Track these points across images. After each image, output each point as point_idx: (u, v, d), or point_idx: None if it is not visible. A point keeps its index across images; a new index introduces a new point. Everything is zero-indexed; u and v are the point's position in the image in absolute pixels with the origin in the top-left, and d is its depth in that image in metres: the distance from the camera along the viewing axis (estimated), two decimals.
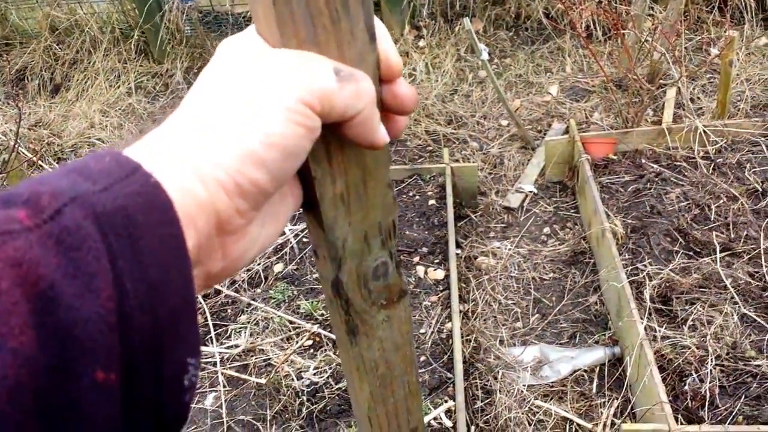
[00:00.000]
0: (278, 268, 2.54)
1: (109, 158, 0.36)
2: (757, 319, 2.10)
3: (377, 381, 0.66)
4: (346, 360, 0.65)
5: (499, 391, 2.13)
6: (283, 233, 2.67)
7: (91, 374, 0.31)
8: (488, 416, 2.06)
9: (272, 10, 0.42)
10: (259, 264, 2.53)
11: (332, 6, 0.43)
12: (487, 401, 2.12)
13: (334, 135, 0.46)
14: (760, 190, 2.59)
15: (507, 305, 2.48)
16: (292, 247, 2.61)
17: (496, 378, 2.18)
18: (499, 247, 2.75)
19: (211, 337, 2.28)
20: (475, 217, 2.95)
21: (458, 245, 2.76)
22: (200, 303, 2.40)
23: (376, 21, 0.47)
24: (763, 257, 2.26)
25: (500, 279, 2.59)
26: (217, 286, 2.45)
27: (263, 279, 2.49)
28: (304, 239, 2.67)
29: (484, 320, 2.42)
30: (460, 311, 2.38)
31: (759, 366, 1.96)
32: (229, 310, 2.39)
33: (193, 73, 4.25)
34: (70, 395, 0.30)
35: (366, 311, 0.60)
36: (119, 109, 3.93)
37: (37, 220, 0.31)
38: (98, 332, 0.31)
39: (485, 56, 3.08)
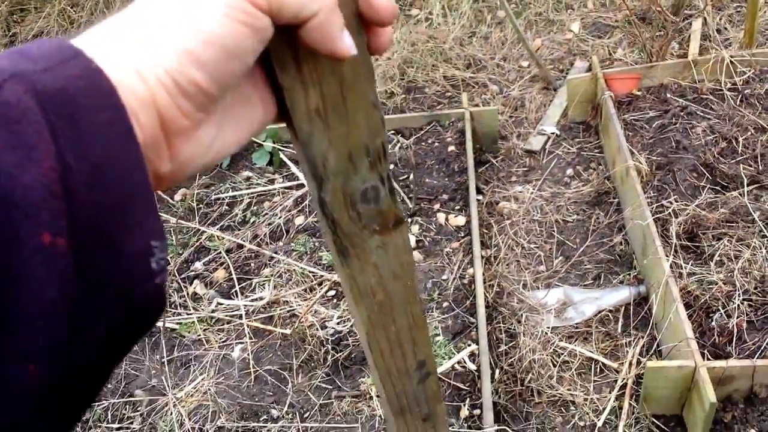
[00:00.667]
0: (299, 220, 2.54)
1: (50, 43, 0.35)
2: None
3: (375, 307, 0.65)
4: (342, 280, 0.63)
5: (523, 334, 2.13)
6: (303, 185, 2.66)
7: (36, 237, 0.31)
8: (512, 359, 2.06)
9: None
10: (280, 217, 2.54)
11: None
12: (510, 344, 2.12)
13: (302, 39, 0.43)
14: None
15: (530, 249, 2.45)
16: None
17: (519, 321, 2.18)
18: (521, 191, 2.71)
19: (235, 291, 2.31)
20: (496, 162, 2.91)
21: (479, 191, 2.73)
22: (223, 257, 2.42)
23: None
24: None
25: (522, 223, 2.56)
26: (239, 240, 2.47)
27: (285, 232, 2.50)
28: None
29: (507, 265, 2.40)
30: (482, 257, 2.37)
31: None
32: (252, 264, 2.41)
33: None
34: (14, 257, 0.30)
35: (356, 234, 0.57)
36: None
37: None
38: (41, 198, 0.31)
39: None
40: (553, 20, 3.69)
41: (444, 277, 2.28)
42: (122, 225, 0.34)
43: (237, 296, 2.29)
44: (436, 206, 2.57)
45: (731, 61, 2.78)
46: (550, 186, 2.71)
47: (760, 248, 2.05)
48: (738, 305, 1.91)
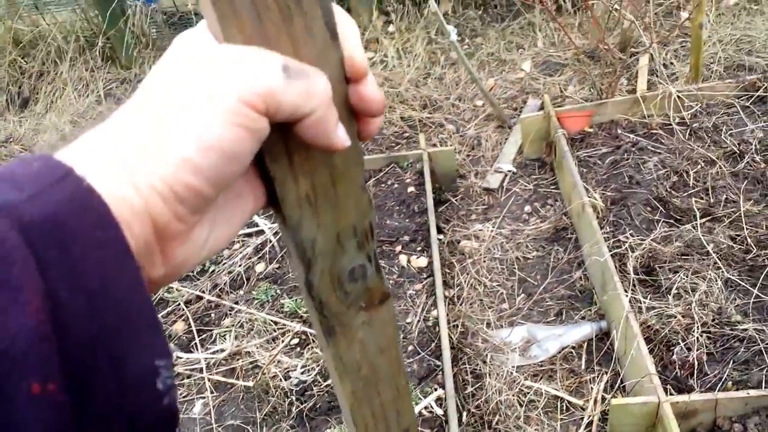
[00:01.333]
0: (260, 268, 2.51)
1: (38, 163, 0.34)
2: (741, 282, 2.10)
3: (360, 382, 0.64)
4: (327, 359, 0.63)
5: (489, 374, 2.12)
6: (263, 232, 2.64)
7: (25, 388, 0.29)
8: (479, 401, 2.05)
9: (211, 5, 0.39)
10: (240, 266, 2.51)
11: (282, 2, 0.40)
12: (477, 386, 2.10)
13: (294, 133, 0.43)
14: (737, 152, 2.58)
15: (492, 287, 2.46)
16: (272, 246, 2.59)
17: (485, 362, 2.17)
18: (481, 230, 2.73)
19: (195, 344, 2.26)
20: (456, 200, 2.93)
21: (440, 231, 2.74)
22: (183, 309, 2.37)
23: (344, 17, 0.44)
24: (743, 219, 2.26)
25: (484, 261, 2.57)
26: (198, 291, 2.42)
27: (245, 280, 2.47)
28: None
29: (471, 304, 2.40)
30: (446, 297, 2.37)
31: (745, 330, 1.95)
32: (212, 315, 2.36)
33: None
34: (3, 411, 0.29)
35: (343, 313, 0.57)
36: (90, 118, 3.87)
37: None
38: (28, 345, 0.29)
39: (454, 37, 3.04)
40: (504, 60, 3.77)
41: (408, 320, 2.27)
42: (123, 350, 0.33)
43: (197, 349, 2.24)
44: (398, 248, 2.57)
45: (678, 96, 2.87)
46: (509, 223, 2.74)
47: (716, 280, 2.09)
48: (697, 338, 1.94)
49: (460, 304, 2.40)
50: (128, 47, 4.12)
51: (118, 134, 0.37)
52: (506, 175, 3.00)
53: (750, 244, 2.17)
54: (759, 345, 1.91)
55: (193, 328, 2.29)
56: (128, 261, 0.34)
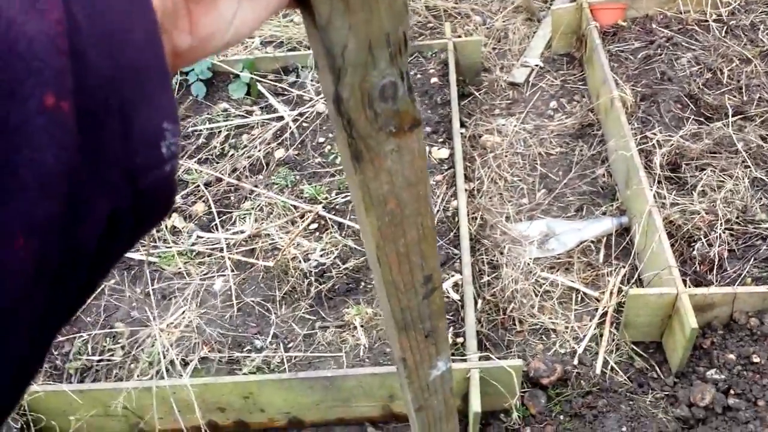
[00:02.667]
0: (279, 153, 2.49)
1: None
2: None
3: (386, 217, 0.62)
4: (353, 188, 0.60)
5: (506, 265, 2.13)
6: (282, 118, 2.60)
7: (39, 96, 0.27)
8: (495, 289, 2.07)
9: None
10: (260, 150, 2.49)
11: None
12: (493, 275, 2.12)
13: None
14: None
15: (513, 182, 2.44)
16: (291, 131, 2.56)
17: (502, 253, 2.18)
18: (504, 124, 2.68)
19: (216, 224, 2.27)
20: (480, 94, 2.86)
21: (462, 124, 2.69)
22: (202, 191, 2.38)
23: None
24: None
25: (506, 156, 2.54)
26: (218, 174, 2.42)
27: (264, 165, 2.45)
28: (304, 124, 2.60)
29: (490, 198, 2.39)
30: (466, 189, 2.35)
31: None
32: (232, 197, 2.36)
33: None
34: (12, 115, 0.27)
35: (371, 136, 0.54)
36: None
37: None
38: (46, 52, 0.27)
39: None
40: None
41: None
42: (133, 100, 0.31)
43: (217, 229, 2.26)
44: None
45: None
46: (534, 119, 2.68)
47: (743, 178, 2.05)
48: (720, 234, 1.93)
49: (480, 197, 2.38)
50: None
51: None
52: (533, 70, 2.92)
53: None
54: None
55: (213, 210, 2.30)
56: (148, 9, 0.32)
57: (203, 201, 2.34)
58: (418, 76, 2.78)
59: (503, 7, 3.27)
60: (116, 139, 0.30)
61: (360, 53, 0.48)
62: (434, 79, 2.75)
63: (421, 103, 2.66)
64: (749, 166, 2.08)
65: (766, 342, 1.71)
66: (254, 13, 0.41)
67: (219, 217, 2.29)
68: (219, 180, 2.41)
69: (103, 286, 2.06)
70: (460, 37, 3.03)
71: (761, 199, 2.02)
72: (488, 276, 2.13)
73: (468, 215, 2.26)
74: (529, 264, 2.13)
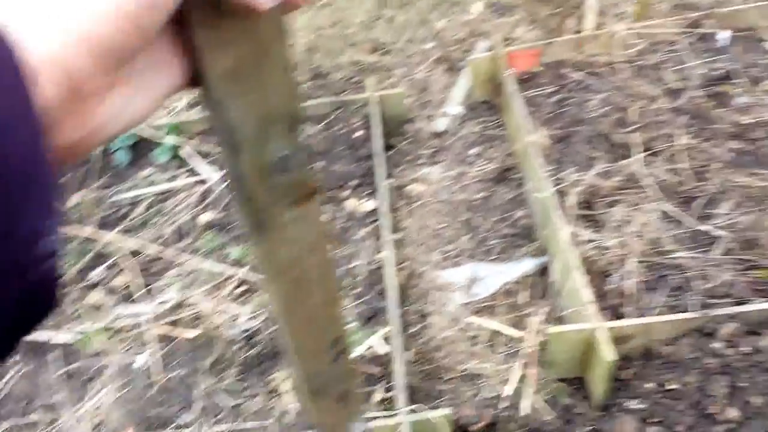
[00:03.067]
0: (205, 217, 2.49)
1: None
2: (676, 214, 2.14)
3: (291, 284, 0.64)
4: (258, 258, 0.62)
5: (434, 313, 2.15)
6: (204, 182, 2.61)
7: None
8: (424, 339, 2.08)
9: None
10: (184, 215, 2.48)
11: None
12: (422, 325, 2.14)
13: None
14: (678, 88, 2.60)
15: (438, 229, 2.48)
16: (218, 193, 2.56)
17: (430, 301, 2.19)
18: (429, 173, 2.73)
19: (139, 296, 2.24)
20: (404, 145, 2.92)
21: (388, 175, 2.74)
22: (125, 262, 2.35)
23: None
24: (681, 154, 2.29)
25: (431, 204, 2.58)
26: (142, 242, 2.40)
27: (190, 230, 2.45)
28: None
29: (417, 246, 2.42)
30: (393, 240, 2.38)
31: (678, 258, 2.00)
32: (156, 266, 2.34)
33: None
34: None
35: (272, 207, 0.56)
36: None
37: None
38: None
39: None
40: (455, 1, 3.72)
41: (355, 263, 2.28)
42: (14, 200, 0.31)
43: (141, 301, 2.23)
44: (346, 193, 2.57)
45: (624, 35, 2.87)
46: (457, 166, 2.74)
47: (652, 212, 2.13)
48: (633, 268, 1.98)
49: (407, 247, 2.41)
50: None
51: None
52: (454, 118, 3.00)
53: (686, 177, 2.21)
54: (691, 272, 1.96)
55: (137, 281, 2.28)
56: (30, 110, 0.31)
57: (126, 273, 2.31)
58: (343, 130, 2.83)
59: (425, 58, 3.37)
60: None
61: (255, 130, 0.51)
62: (359, 133, 2.80)
63: (347, 158, 2.70)
64: (657, 200, 2.16)
65: (680, 368, 1.75)
66: (147, 101, 0.42)
67: (143, 289, 2.26)
68: (143, 250, 2.39)
69: (17, 373, 2.01)
70: (383, 89, 3.10)
71: (670, 230, 2.09)
72: (417, 326, 2.14)
73: (395, 266, 2.28)
74: (455, 310, 2.15)
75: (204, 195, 2.57)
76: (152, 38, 0.38)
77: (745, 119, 2.31)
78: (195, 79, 0.46)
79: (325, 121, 2.88)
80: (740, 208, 2.06)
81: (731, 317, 1.77)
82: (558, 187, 2.28)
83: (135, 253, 2.38)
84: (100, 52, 0.35)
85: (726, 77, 2.54)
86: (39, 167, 0.32)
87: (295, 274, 0.63)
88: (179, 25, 0.43)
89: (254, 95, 0.49)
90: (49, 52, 0.33)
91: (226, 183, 2.62)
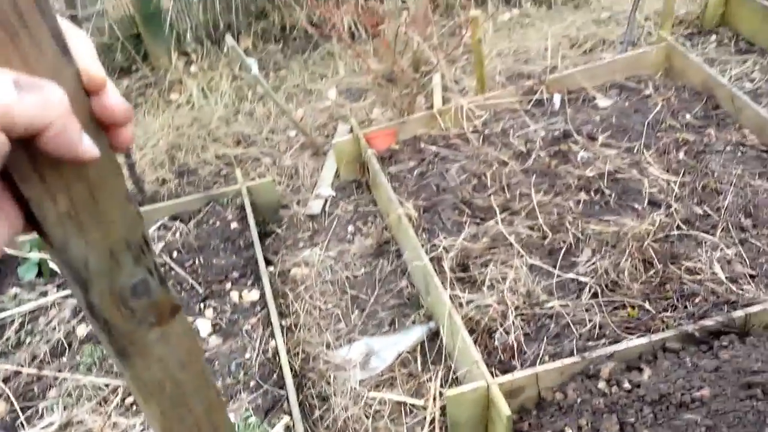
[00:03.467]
0: (81, 330, 2.37)
1: None
2: (543, 266, 2.33)
3: (167, 401, 0.63)
4: (127, 381, 0.61)
5: (334, 394, 2.17)
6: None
7: None
8: (327, 421, 2.09)
9: None
10: (59, 331, 2.35)
11: (5, 19, 0.41)
12: (324, 408, 2.15)
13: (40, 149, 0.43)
14: (525, 151, 2.86)
15: (327, 309, 2.52)
16: None
17: (329, 382, 2.22)
18: (309, 255, 2.79)
19: (21, 422, 2.08)
20: (281, 231, 2.97)
21: (269, 262, 2.76)
22: (1, 388, 2.18)
23: (75, 33, 0.46)
24: (537, 210, 2.51)
25: (316, 286, 2.63)
26: (16, 366, 2.24)
27: (67, 346, 2.32)
28: None
29: (308, 329, 2.44)
30: (282, 326, 2.39)
31: (552, 307, 2.18)
32: (35, 388, 2.19)
33: None
34: None
35: (133, 331, 0.57)
36: None
37: None
38: None
39: (255, 70, 3.10)
40: (311, 90, 3.89)
41: (247, 355, 2.26)
42: None
43: (23, 428, 2.07)
44: (228, 285, 2.56)
45: (469, 108, 3.14)
46: (336, 245, 2.82)
47: (521, 267, 2.31)
48: (513, 321, 2.13)
49: (298, 331, 2.43)
50: None
51: None
52: (327, 200, 3.10)
53: (545, 231, 2.43)
54: (566, 318, 2.14)
55: (17, 406, 2.11)
56: None
57: (3, 399, 2.14)
58: (218, 224, 2.83)
59: (290, 146, 3.47)
60: None
61: (103, 263, 0.52)
62: (234, 224, 2.82)
63: (225, 250, 2.70)
64: (523, 255, 2.35)
65: (572, 413, 1.88)
66: None
67: (24, 413, 2.10)
68: (18, 373, 2.23)
69: None
70: (253, 179, 3.15)
71: (540, 282, 2.27)
72: (319, 410, 2.15)
73: (289, 352, 2.29)
74: (355, 388, 2.18)
75: (77, 309, 2.45)
76: None
77: (588, 172, 2.59)
78: (31, 222, 0.48)
79: (198, 217, 2.87)
80: (598, 254, 2.29)
81: (609, 357, 1.94)
82: (433, 254, 2.41)
83: (9, 378, 2.21)
84: None
85: (565, 136, 2.84)
86: None
87: (170, 391, 0.63)
88: (5, 175, 0.45)
89: (97, 231, 0.51)
90: None
91: None
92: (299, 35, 4.32)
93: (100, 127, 0.49)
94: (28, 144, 0.42)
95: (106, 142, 0.50)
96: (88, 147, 0.45)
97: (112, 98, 0.48)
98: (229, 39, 3.10)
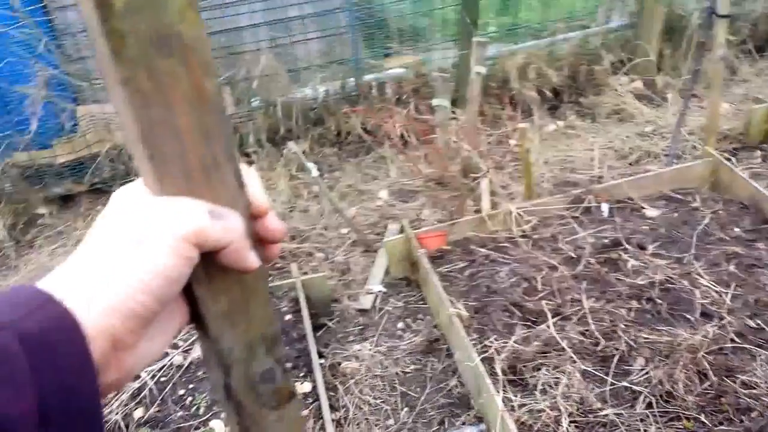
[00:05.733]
0: (138, 413, 2.43)
1: (27, 291, 0.46)
2: (596, 372, 2.34)
3: None
4: None
5: None
6: (139, 376, 2.58)
7: None
8: None
9: (152, 169, 0.51)
10: (116, 413, 2.41)
11: (204, 164, 0.54)
12: None
13: (213, 260, 0.55)
14: (574, 256, 2.93)
15: (376, 404, 2.55)
16: (150, 389, 2.52)
17: None
18: (359, 349, 2.84)
19: None
20: (333, 324, 3.04)
21: (320, 355, 2.81)
22: None
23: (248, 171, 0.59)
24: (589, 316, 2.55)
25: (366, 380, 2.66)
26: None
27: (124, 428, 2.37)
28: (162, 378, 2.59)
29: (357, 424, 2.46)
30: (333, 420, 2.41)
31: (606, 415, 2.17)
32: None
33: (18, 228, 4.06)
34: None
35: (257, 412, 0.66)
36: None
37: None
38: (24, 427, 0.39)
39: (315, 173, 3.27)
40: (363, 190, 4.05)
41: None
42: None
43: None
44: None
45: (518, 213, 3.24)
46: (386, 340, 2.87)
47: (574, 372, 2.32)
48: (566, 428, 2.13)
49: (347, 425, 2.45)
50: None
51: (83, 268, 0.49)
52: (377, 296, 3.17)
53: (598, 337, 2.45)
54: (620, 428, 2.13)
55: None
56: (91, 372, 0.45)
57: None
58: None
59: (342, 242, 3.60)
60: None
61: (243, 352, 0.63)
62: (288, 316, 2.90)
63: None
64: (576, 361, 2.36)
65: None
66: (163, 342, 0.57)
67: None
68: None
69: None
70: (306, 273, 3.26)
71: (593, 389, 2.28)
72: None
73: None
74: None
75: (136, 391, 2.52)
76: (168, 303, 0.53)
77: (640, 281, 2.63)
78: (193, 317, 0.60)
79: None
80: (651, 363, 2.30)
81: None
82: (483, 355, 2.44)
83: None
84: (131, 320, 0.49)
85: (614, 244, 2.91)
86: (96, 404, 0.46)
87: None
88: None
89: (243, 326, 0.62)
90: (97, 323, 0.47)
91: (157, 377, 2.60)
92: (353, 140, 4.54)
93: (257, 242, 0.61)
94: (204, 255, 0.54)
95: (262, 254, 0.61)
96: (253, 260, 0.57)
97: (273, 222, 0.61)
98: (291, 145, 3.31)
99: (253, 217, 0.59)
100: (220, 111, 0.54)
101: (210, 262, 0.55)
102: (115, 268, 0.48)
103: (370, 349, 2.81)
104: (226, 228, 0.53)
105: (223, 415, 2.43)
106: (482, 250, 3.13)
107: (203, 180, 0.54)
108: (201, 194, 0.54)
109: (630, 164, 3.91)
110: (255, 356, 0.63)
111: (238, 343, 0.61)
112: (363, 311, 3.09)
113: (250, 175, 0.59)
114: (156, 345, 0.55)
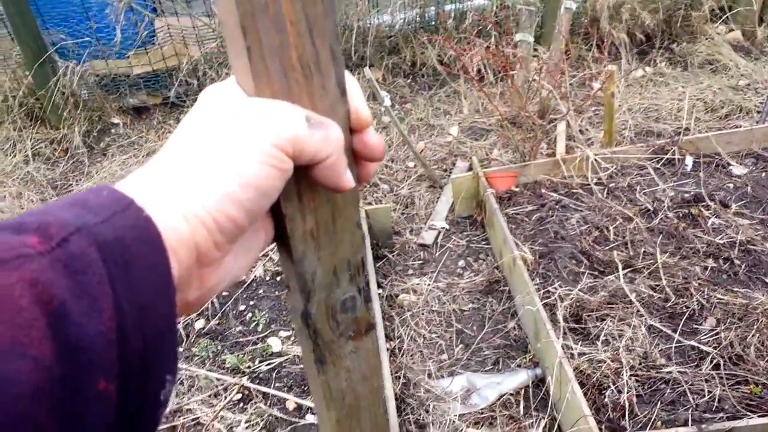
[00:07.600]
0: (199, 324, 2.49)
1: (107, 192, 0.40)
2: (663, 329, 2.25)
3: (344, 410, 0.68)
4: (314, 387, 0.67)
5: (432, 423, 2.16)
6: None
7: (95, 384, 0.34)
8: None
9: (248, 64, 0.46)
10: (178, 322, 2.48)
11: (305, 63, 0.48)
12: None
13: (305, 175, 0.49)
14: (651, 209, 2.79)
15: (431, 339, 2.53)
16: (212, 302, 2.58)
17: (428, 411, 2.21)
18: (418, 283, 2.81)
19: None
20: (393, 256, 3.01)
21: (379, 285, 2.81)
22: None
23: (350, 78, 0.52)
24: (661, 271, 2.44)
25: (422, 314, 2.65)
26: None
27: (185, 337, 2.44)
28: (224, 293, 2.64)
29: (411, 356, 2.46)
30: (387, 349, 2.42)
31: (670, 372, 2.10)
32: None
33: (93, 136, 4.15)
34: (78, 403, 0.33)
35: (334, 342, 0.62)
36: (17, 177, 3.77)
37: (47, 246, 0.34)
38: (102, 347, 0.34)
39: (387, 102, 3.19)
40: (433, 125, 3.96)
41: None
42: (153, 360, 0.39)
43: None
44: None
45: (595, 159, 3.10)
46: (445, 277, 2.84)
47: (640, 326, 2.24)
48: (627, 381, 2.06)
49: (402, 356, 2.45)
50: (58, 108, 4.06)
51: (167, 172, 0.44)
52: (440, 232, 3.12)
53: (668, 293, 2.35)
54: (683, 386, 2.05)
55: None
56: (170, 285, 0.40)
57: None
58: None
59: (407, 176, 3.54)
60: (136, 394, 0.38)
61: (326, 277, 0.58)
62: None
63: None
64: (643, 315, 2.27)
65: None
66: (248, 259, 0.51)
67: None
68: None
69: None
70: (370, 204, 3.23)
71: (658, 345, 2.19)
72: None
73: (391, 374, 2.31)
74: (454, 421, 2.17)
75: None
76: (258, 218, 0.47)
77: (719, 239, 2.49)
78: (278, 236, 0.55)
79: None
80: (723, 324, 2.19)
81: None
82: (546, 300, 2.38)
83: None
84: (219, 234, 0.44)
85: (696, 200, 2.75)
86: (171, 326, 0.40)
87: (349, 401, 0.68)
88: None
89: (329, 249, 0.57)
90: (182, 235, 0.42)
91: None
92: (427, 72, 4.42)
93: (353, 160, 0.55)
94: (297, 169, 0.48)
95: (356, 173, 0.55)
96: (349, 179, 0.51)
97: (373, 137, 0.54)
98: (367, 71, 3.22)
99: (351, 130, 0.53)
100: (329, 1, 0.48)
101: (301, 176, 0.49)
102: (202, 175, 0.43)
103: (428, 284, 2.79)
104: (325, 139, 0.47)
105: (281, 333, 2.47)
106: (553, 194, 3.02)
107: (303, 81, 0.49)
108: (299, 98, 0.49)
109: (720, 118, 3.67)
110: (338, 282, 0.59)
111: (321, 267, 0.57)
112: (424, 246, 3.06)
113: (352, 83, 0.52)
114: (240, 262, 0.49)
